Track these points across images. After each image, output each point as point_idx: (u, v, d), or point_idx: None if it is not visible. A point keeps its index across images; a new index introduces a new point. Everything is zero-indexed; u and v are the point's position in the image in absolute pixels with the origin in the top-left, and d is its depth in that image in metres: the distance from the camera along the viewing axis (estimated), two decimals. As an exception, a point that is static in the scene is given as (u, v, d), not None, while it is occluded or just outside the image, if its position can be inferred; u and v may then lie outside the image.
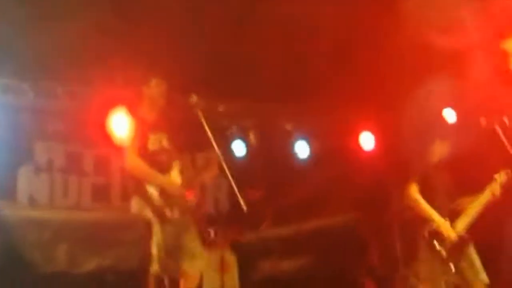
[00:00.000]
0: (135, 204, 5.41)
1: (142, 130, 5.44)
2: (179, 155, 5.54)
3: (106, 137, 7.62)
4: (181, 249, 5.36)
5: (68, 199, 8.16)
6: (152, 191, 5.29)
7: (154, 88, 5.56)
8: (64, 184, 8.15)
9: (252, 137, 5.88)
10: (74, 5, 5.87)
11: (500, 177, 6.04)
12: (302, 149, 9.09)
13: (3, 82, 7.21)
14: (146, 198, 5.30)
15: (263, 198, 8.39)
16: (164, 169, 5.42)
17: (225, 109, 7.88)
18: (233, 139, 8.35)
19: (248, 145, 8.47)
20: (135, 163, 5.35)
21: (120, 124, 7.53)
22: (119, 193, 8.51)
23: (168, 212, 5.27)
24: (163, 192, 5.30)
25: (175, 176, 5.43)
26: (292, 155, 9.06)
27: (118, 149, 7.79)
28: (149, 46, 6.45)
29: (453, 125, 6.96)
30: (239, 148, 8.38)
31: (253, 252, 8.43)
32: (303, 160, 9.12)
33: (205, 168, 5.61)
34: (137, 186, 5.38)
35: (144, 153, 5.38)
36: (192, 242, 5.47)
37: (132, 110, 5.70)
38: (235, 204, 5.12)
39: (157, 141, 5.48)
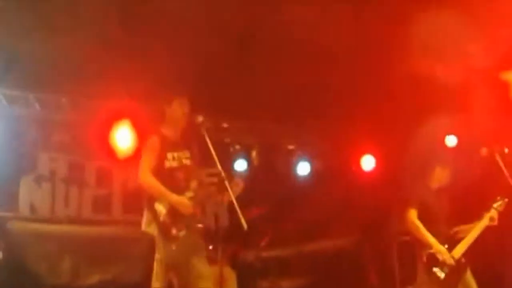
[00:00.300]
0: (145, 219, 5.40)
1: (161, 148, 5.42)
2: (198, 173, 5.51)
3: (109, 150, 7.70)
4: (187, 269, 5.33)
5: (69, 210, 8.21)
6: (161, 208, 5.26)
7: (177, 108, 5.53)
8: (65, 195, 8.21)
9: (254, 155, 5.89)
10: (80, 18, 5.92)
11: (498, 205, 6.13)
12: (303, 169, 9.12)
13: (9, 93, 7.30)
14: (153, 214, 5.29)
15: (263, 216, 8.39)
16: (181, 187, 5.40)
17: (228, 127, 7.91)
18: (236, 157, 8.37)
19: (250, 164, 8.50)
20: (147, 179, 5.33)
21: (123, 137, 7.63)
22: (120, 205, 8.57)
23: (174, 231, 5.23)
24: (171, 210, 5.26)
25: (190, 195, 5.38)
26: (293, 174, 9.10)
27: (120, 162, 7.92)
28: (155, 62, 6.50)
29: (454, 153, 6.98)
30: (241, 166, 8.41)
31: (252, 270, 8.45)
32: (304, 180, 9.15)
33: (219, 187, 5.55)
34: (147, 202, 5.39)
35: (161, 171, 5.37)
36: (200, 262, 5.39)
37: (153, 128, 5.73)
38: (235, 221, 5.13)
39: (177, 159, 5.47)
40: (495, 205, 6.15)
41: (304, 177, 9.14)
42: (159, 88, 6.88)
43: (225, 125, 8.01)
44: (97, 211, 8.39)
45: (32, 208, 7.94)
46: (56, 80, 6.90)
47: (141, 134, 7.65)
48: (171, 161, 5.44)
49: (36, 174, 7.98)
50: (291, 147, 8.96)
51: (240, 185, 5.56)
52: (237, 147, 8.50)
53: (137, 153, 7.69)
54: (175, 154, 5.48)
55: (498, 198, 6.14)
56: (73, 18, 5.93)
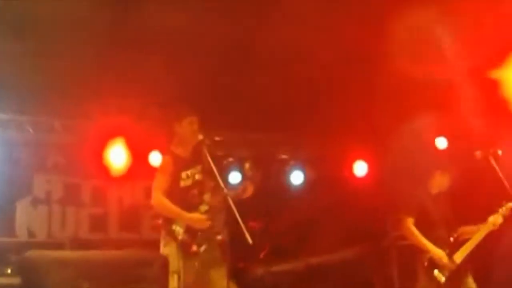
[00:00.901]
0: (162, 241, 5.46)
1: (174, 168, 5.48)
2: (211, 186, 5.52)
3: (104, 169, 7.73)
4: (208, 286, 5.38)
5: (65, 230, 8.23)
6: (178, 228, 5.32)
7: (187, 126, 5.57)
8: (61, 215, 8.24)
9: (247, 167, 5.93)
10: (71, 38, 5.94)
11: (503, 210, 6.09)
12: (297, 178, 9.17)
13: (2, 118, 7.31)
14: (171, 234, 5.35)
15: (261, 227, 8.43)
16: (195, 203, 5.46)
17: (221, 140, 7.95)
18: (229, 170, 8.41)
19: (244, 176, 8.53)
20: (160, 202, 5.39)
21: (117, 156, 7.67)
22: (116, 223, 8.60)
23: (194, 247, 5.30)
24: (189, 228, 5.32)
25: (205, 208, 5.45)
26: (287, 184, 9.14)
27: (115, 180, 7.95)
28: (146, 79, 6.54)
29: (450, 157, 7.03)
30: (235, 178, 8.44)
31: (261, 285, 8.51)
32: (299, 189, 9.20)
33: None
34: (163, 223, 5.45)
35: (175, 190, 5.42)
36: (221, 279, 5.37)
37: (164, 149, 5.76)
38: (234, 234, 5.17)
39: (191, 176, 5.52)
40: (501, 210, 6.08)
41: (298, 186, 9.20)
42: (152, 106, 6.98)
43: (217, 138, 8.05)
44: (93, 231, 8.42)
45: (30, 232, 7.96)
46: (49, 103, 6.93)
47: (135, 152, 7.73)
48: (185, 180, 5.50)
49: (32, 197, 8.01)
50: (284, 156, 9.01)
51: (248, 190, 5.59)
52: (230, 159, 8.53)
53: (131, 171, 7.82)
54: (189, 172, 5.53)
55: (504, 202, 6.05)
56: (65, 42, 5.96)
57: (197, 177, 5.54)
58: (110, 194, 8.55)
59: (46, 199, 8.11)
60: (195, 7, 5.41)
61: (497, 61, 6.18)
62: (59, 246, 7.97)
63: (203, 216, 5.37)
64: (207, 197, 5.51)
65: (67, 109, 7.18)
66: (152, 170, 7.27)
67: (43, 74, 6.25)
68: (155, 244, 5.63)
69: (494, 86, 6.35)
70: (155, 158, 7.63)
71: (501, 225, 6.11)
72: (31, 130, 7.48)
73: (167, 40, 6.05)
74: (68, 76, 6.38)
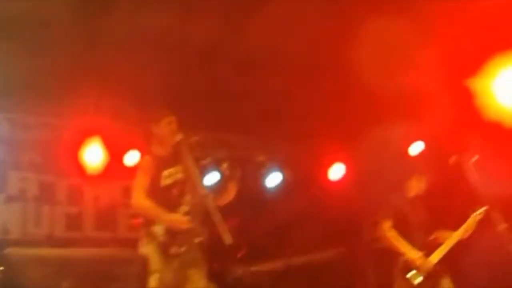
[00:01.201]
0: (142, 240, 5.46)
1: (154, 167, 5.49)
2: (192, 185, 5.55)
3: (79, 167, 7.69)
4: (187, 286, 5.38)
5: (41, 228, 8.16)
6: (158, 228, 5.33)
7: (165, 127, 5.61)
8: (36, 213, 8.15)
9: (225, 168, 5.95)
10: (47, 37, 5.91)
11: (476, 215, 6.26)
12: (274, 180, 9.20)
13: (-23, 115, 7.26)
14: (151, 234, 5.35)
15: (239, 228, 8.44)
16: (176, 204, 5.47)
17: (198, 140, 7.94)
18: (207, 170, 8.40)
19: (223, 176, 8.52)
20: (141, 202, 5.38)
21: (94, 154, 7.63)
22: (92, 222, 8.55)
23: (174, 249, 5.30)
24: (169, 229, 5.33)
25: (185, 209, 5.46)
26: (264, 186, 9.16)
27: (91, 179, 7.91)
28: (123, 79, 6.52)
29: (426, 162, 7.12)
30: (212, 179, 8.43)
31: (242, 286, 8.52)
32: (276, 191, 9.22)
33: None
34: (143, 223, 5.45)
35: (156, 190, 5.42)
36: (201, 280, 5.46)
37: (144, 149, 5.75)
38: (213, 234, 5.19)
39: (171, 176, 5.53)
40: (474, 214, 6.28)
41: (275, 188, 9.22)
42: (128, 105, 6.96)
43: (194, 138, 8.04)
44: (69, 229, 8.36)
45: (4, 229, 7.88)
46: (25, 100, 6.89)
47: (112, 151, 7.70)
48: (165, 179, 5.50)
49: (6, 195, 7.93)
50: (260, 158, 9.02)
51: (231, 192, 5.72)
52: (208, 160, 8.52)
53: (108, 170, 7.79)
54: (168, 172, 5.53)
55: (477, 207, 6.24)
56: (40, 37, 5.91)
57: (177, 176, 5.54)
58: (86, 192, 8.49)
59: (20, 197, 8.02)
60: (171, 8, 5.41)
61: (471, 69, 6.26)
62: (35, 243, 7.91)
63: (184, 217, 5.38)
64: (187, 198, 5.52)
65: (43, 106, 7.14)
66: (129, 169, 7.29)
67: (18, 71, 6.21)
68: (132, 243, 5.63)
69: (469, 94, 6.43)
70: (132, 158, 7.63)
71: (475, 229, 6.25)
72: (6, 127, 7.42)
73: (144, 40, 6.04)
74: (44, 73, 6.34)
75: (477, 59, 6.01)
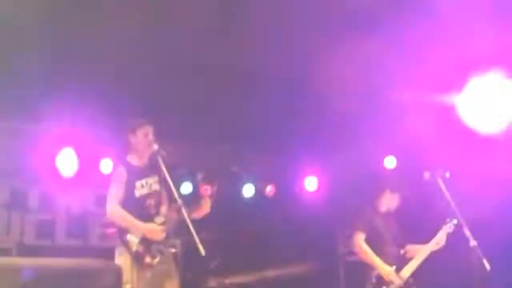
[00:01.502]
0: (116, 250, 5.41)
1: (128, 177, 5.45)
2: (167, 196, 5.53)
3: (52, 175, 7.61)
4: None
5: (11, 236, 8.05)
6: (133, 239, 5.29)
7: (141, 137, 5.57)
8: (7, 220, 8.05)
9: (200, 178, 5.93)
10: (23, 45, 5.85)
11: (447, 227, 6.32)
12: (249, 192, 9.21)
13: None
14: (125, 244, 5.31)
15: (213, 240, 8.43)
16: (151, 214, 5.43)
17: (173, 150, 7.92)
18: (181, 180, 8.38)
19: (195, 187, 8.50)
20: (116, 211, 5.35)
21: (67, 162, 7.56)
22: (64, 230, 8.47)
23: (148, 259, 5.27)
24: (143, 239, 5.30)
25: (160, 220, 5.41)
26: (239, 197, 9.17)
27: (63, 187, 7.83)
28: (98, 87, 6.47)
29: (399, 177, 7.18)
30: (186, 189, 8.41)
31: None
32: (250, 202, 9.23)
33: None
34: (118, 233, 5.39)
35: (131, 200, 5.39)
36: None
37: (119, 159, 5.72)
38: (187, 245, 5.17)
39: (146, 186, 5.50)
40: (445, 227, 6.33)
41: (250, 199, 9.23)
42: (103, 114, 6.91)
43: (169, 148, 8.01)
44: (40, 237, 8.27)
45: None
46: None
47: (85, 160, 7.64)
48: (140, 189, 5.48)
49: (-24, 201, 7.84)
50: (235, 169, 9.02)
51: (205, 207, 5.65)
52: (183, 170, 8.51)
53: (81, 179, 7.72)
54: (144, 182, 5.51)
55: (448, 220, 6.29)
56: (15, 43, 5.85)
57: (153, 187, 5.52)
58: (58, 200, 8.41)
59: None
60: (145, 18, 5.38)
61: (444, 85, 6.33)
62: (5, 252, 7.80)
63: (159, 227, 5.35)
64: (163, 208, 5.51)
65: (17, 112, 7.06)
66: (102, 178, 7.23)
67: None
68: (104, 252, 5.57)
69: (445, 109, 6.50)
70: (106, 166, 7.58)
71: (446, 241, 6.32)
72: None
73: (119, 50, 5.99)
74: (19, 80, 6.27)
75: (450, 75, 6.07)
